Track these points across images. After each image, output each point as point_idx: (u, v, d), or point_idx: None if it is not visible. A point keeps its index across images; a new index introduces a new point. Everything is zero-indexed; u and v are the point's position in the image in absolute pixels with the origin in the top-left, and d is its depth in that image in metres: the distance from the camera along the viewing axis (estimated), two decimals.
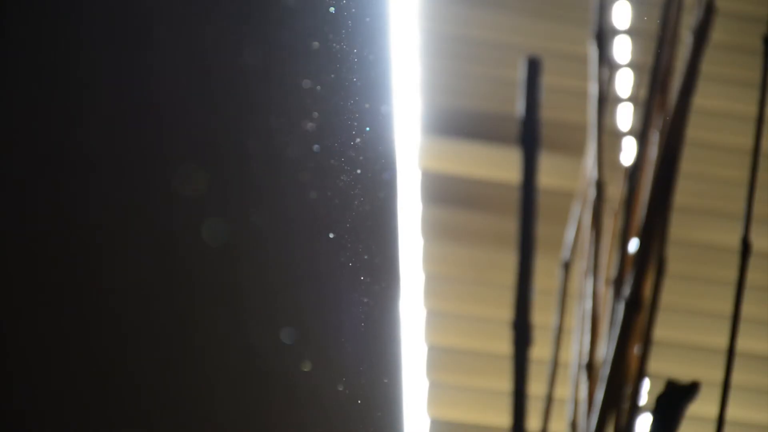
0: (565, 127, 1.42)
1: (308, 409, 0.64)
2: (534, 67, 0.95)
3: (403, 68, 1.39)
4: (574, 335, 1.00)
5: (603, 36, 1.05)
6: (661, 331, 1.12)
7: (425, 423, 1.36)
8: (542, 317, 0.99)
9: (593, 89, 1.04)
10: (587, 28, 1.09)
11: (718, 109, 1.48)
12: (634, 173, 0.97)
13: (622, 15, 1.46)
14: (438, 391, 1.37)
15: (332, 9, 0.68)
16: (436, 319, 1.38)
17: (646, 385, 0.91)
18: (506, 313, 0.95)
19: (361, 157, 0.76)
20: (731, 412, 0.91)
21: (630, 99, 1.43)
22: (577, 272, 1.04)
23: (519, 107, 0.95)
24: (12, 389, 0.38)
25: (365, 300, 0.78)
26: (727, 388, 0.87)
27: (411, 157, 1.40)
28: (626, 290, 0.91)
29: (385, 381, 0.94)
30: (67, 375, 0.40)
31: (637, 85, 1.44)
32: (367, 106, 0.81)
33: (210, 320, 0.49)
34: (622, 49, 1.45)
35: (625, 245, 0.95)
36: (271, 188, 0.57)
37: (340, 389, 0.71)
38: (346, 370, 0.72)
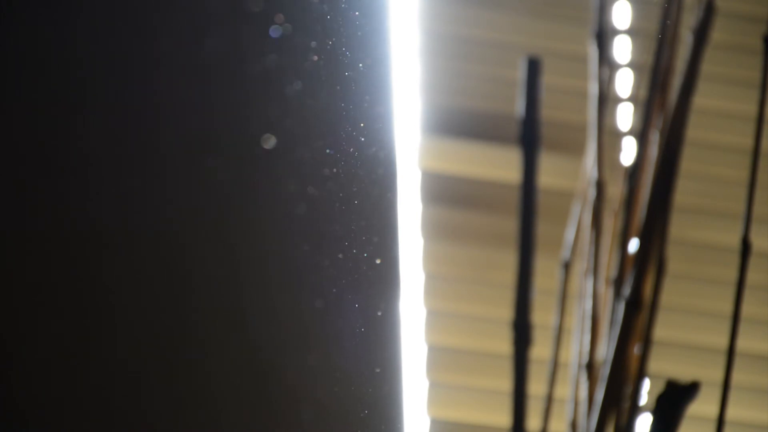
0: (565, 127, 1.42)
1: (308, 409, 0.64)
2: (534, 67, 0.95)
3: (403, 68, 1.39)
4: (574, 335, 1.00)
5: (603, 36, 1.05)
6: (661, 331, 1.12)
7: (425, 423, 1.36)
8: (542, 317, 0.99)
9: (593, 89, 1.04)
10: (587, 28, 1.09)
11: (718, 109, 1.48)
12: (634, 173, 0.97)
13: (622, 15, 1.46)
14: (438, 391, 1.37)
15: (332, 9, 0.68)
16: (436, 319, 1.38)
17: (646, 385, 0.91)
18: (506, 313, 0.95)
19: (361, 157, 0.76)
20: (731, 412, 0.91)
21: (630, 99, 1.43)
22: (577, 272, 1.04)
23: (519, 107, 0.95)
24: (11, 390, 0.38)
25: (365, 300, 0.78)
26: (727, 388, 0.87)
27: (411, 157, 1.40)
28: (626, 290, 0.91)
29: (385, 380, 0.94)
30: (66, 375, 0.40)
31: (637, 85, 1.44)
32: (367, 105, 0.81)
33: (210, 320, 0.49)
34: (622, 49, 1.45)
35: (625, 245, 0.95)
36: (271, 188, 0.57)
37: (340, 389, 0.71)
38: (346, 370, 0.72)
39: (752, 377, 1.42)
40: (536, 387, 1.01)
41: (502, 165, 1.41)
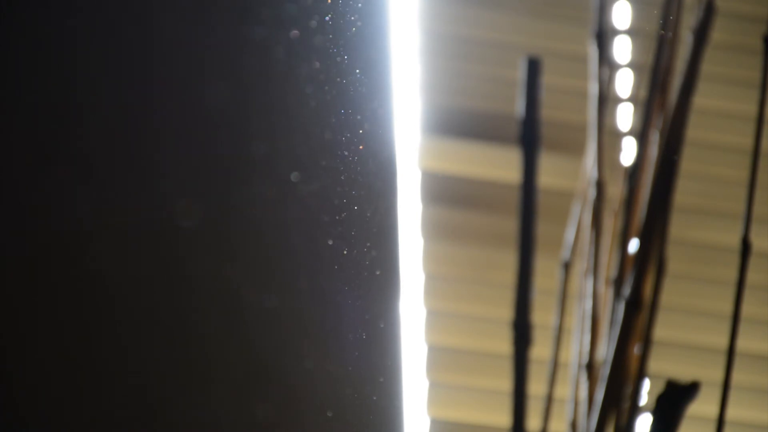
0: (565, 127, 1.42)
1: (308, 409, 0.64)
2: (534, 67, 0.95)
3: (403, 68, 1.39)
4: (574, 335, 1.00)
5: (603, 36, 1.05)
6: (661, 331, 1.12)
7: (425, 423, 1.36)
8: (542, 317, 0.99)
9: (593, 89, 1.04)
10: (587, 28, 1.09)
11: (718, 109, 1.48)
12: (634, 173, 0.97)
13: (622, 15, 1.46)
14: (438, 391, 1.37)
15: (332, 10, 0.68)
16: (436, 319, 1.38)
17: (646, 385, 0.91)
18: (506, 313, 0.95)
19: (361, 157, 0.76)
20: (731, 412, 0.91)
21: (630, 99, 1.43)
22: (577, 272, 1.04)
23: (519, 107, 0.95)
24: (11, 391, 0.38)
25: (365, 300, 0.78)
26: (727, 388, 0.87)
27: (411, 157, 1.40)
28: (626, 290, 0.91)
29: (385, 381, 0.94)
30: (66, 376, 0.40)
31: (637, 85, 1.44)
32: (367, 105, 0.81)
33: (210, 320, 0.49)
34: (622, 49, 1.45)
35: (625, 245, 0.95)
36: (271, 188, 0.57)
37: (340, 389, 0.71)
38: (346, 370, 0.72)
39: (752, 377, 1.42)
40: (536, 387, 1.01)
41: (502, 165, 1.41)
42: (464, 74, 1.44)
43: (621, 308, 0.91)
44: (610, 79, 1.38)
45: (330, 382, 0.68)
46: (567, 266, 1.04)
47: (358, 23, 0.76)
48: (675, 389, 0.84)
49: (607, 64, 1.05)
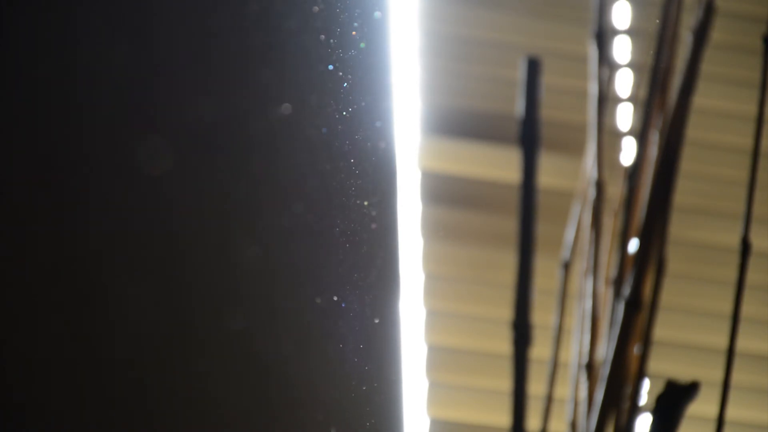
0: (565, 127, 1.42)
1: (308, 409, 0.64)
2: (534, 67, 0.95)
3: (403, 68, 1.39)
4: (574, 335, 1.00)
5: (603, 36, 1.05)
6: (661, 331, 1.12)
7: (425, 423, 1.36)
8: (542, 317, 0.99)
9: (593, 89, 1.04)
10: (587, 28, 1.09)
11: (718, 109, 1.48)
12: (634, 173, 0.97)
13: (622, 15, 1.46)
14: (438, 391, 1.37)
15: (332, 10, 0.68)
16: (436, 319, 1.38)
17: (646, 385, 0.91)
18: (506, 313, 0.95)
19: (361, 157, 0.76)
20: (731, 412, 0.91)
21: (630, 99, 1.43)
22: (577, 272, 1.04)
23: (519, 107, 0.95)
24: (11, 390, 0.38)
25: (365, 300, 0.78)
26: (727, 388, 0.87)
27: (411, 157, 1.40)
28: (626, 290, 0.91)
29: (385, 381, 0.94)
30: (65, 375, 0.40)
31: (637, 85, 1.44)
32: (367, 106, 0.80)
33: (209, 320, 0.49)
34: (622, 49, 1.45)
35: (625, 245, 0.95)
36: (271, 188, 0.57)
37: (340, 389, 0.71)
38: (346, 370, 0.72)
39: (752, 377, 1.42)
40: (536, 387, 1.01)
41: (502, 165, 1.41)
42: (464, 74, 1.44)
43: (621, 308, 0.91)
44: (610, 79, 1.38)
45: (330, 382, 0.68)
46: (567, 266, 1.04)
47: (358, 23, 0.76)
48: (675, 389, 0.84)
49: (607, 64, 1.05)
